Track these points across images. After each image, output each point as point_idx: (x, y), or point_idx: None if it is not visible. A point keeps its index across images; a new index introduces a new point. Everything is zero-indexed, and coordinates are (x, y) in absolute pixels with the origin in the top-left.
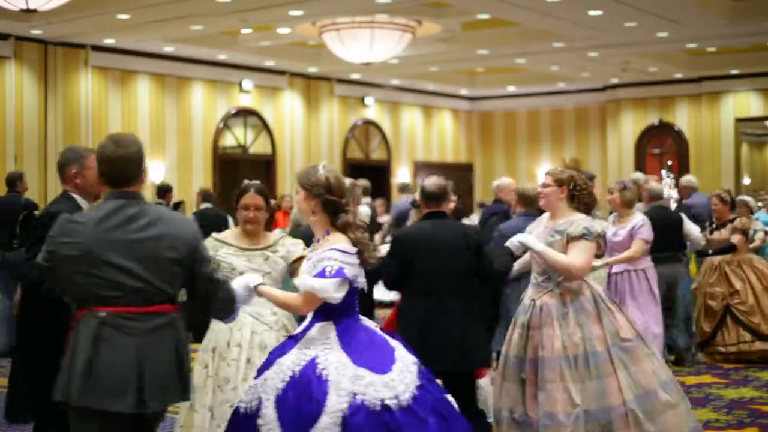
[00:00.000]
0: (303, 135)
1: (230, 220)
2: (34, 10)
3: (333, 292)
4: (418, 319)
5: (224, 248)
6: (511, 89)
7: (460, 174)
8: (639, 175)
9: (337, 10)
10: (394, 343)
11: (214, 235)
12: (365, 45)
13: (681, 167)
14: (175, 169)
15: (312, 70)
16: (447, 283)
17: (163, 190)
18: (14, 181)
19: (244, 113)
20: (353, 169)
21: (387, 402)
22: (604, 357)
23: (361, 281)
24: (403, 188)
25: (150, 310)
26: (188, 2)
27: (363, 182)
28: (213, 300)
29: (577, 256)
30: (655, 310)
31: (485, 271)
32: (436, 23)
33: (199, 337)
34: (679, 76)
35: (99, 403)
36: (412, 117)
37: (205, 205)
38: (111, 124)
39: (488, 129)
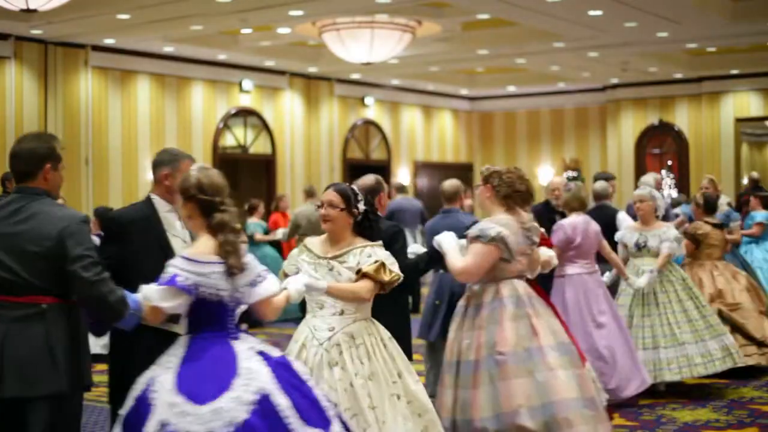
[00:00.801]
0: (303, 135)
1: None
2: (34, 10)
3: (158, 300)
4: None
5: (304, 254)
6: (511, 89)
7: (460, 174)
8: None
9: (337, 10)
10: (246, 368)
11: (307, 239)
12: (365, 45)
13: (681, 167)
14: None
15: (312, 70)
16: None
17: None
18: (4, 181)
19: (244, 113)
20: (353, 169)
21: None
22: (475, 367)
23: (212, 291)
24: (400, 188)
25: (18, 300)
26: (188, 2)
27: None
28: (84, 299)
29: (466, 258)
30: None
31: None
32: (436, 23)
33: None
34: (679, 76)
35: None
36: (412, 117)
37: None
38: (111, 124)
39: (488, 129)
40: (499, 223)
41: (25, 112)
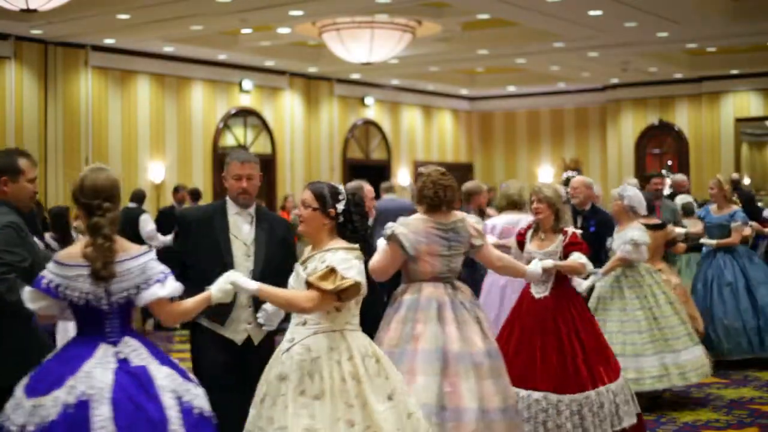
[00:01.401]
0: (303, 135)
1: (145, 218)
2: (34, 10)
3: (28, 302)
4: None
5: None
6: (511, 89)
7: (460, 174)
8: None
9: (337, 10)
10: (84, 371)
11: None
12: (365, 45)
13: (681, 167)
14: (175, 169)
15: (312, 70)
16: None
17: (174, 191)
18: None
19: (244, 113)
20: (353, 169)
21: (12, 428)
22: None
23: (76, 294)
24: (387, 188)
25: None
26: (188, 2)
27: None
28: None
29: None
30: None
31: None
32: (436, 23)
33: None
34: (679, 76)
35: None
36: (412, 117)
37: (130, 205)
38: (111, 124)
39: (488, 129)
40: (402, 222)
41: (25, 112)
